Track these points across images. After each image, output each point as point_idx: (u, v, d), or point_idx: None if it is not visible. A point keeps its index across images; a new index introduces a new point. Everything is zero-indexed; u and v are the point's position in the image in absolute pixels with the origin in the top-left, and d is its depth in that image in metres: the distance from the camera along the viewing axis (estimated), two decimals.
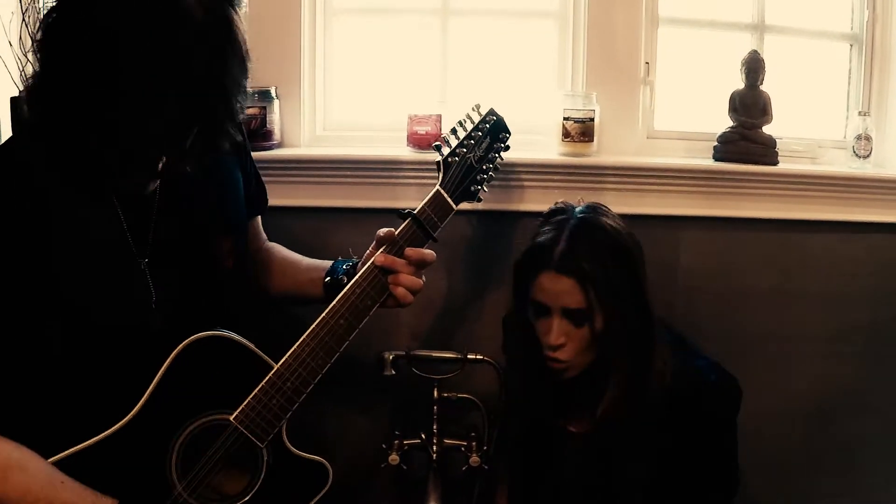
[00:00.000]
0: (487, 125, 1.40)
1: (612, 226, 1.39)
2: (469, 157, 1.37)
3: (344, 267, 1.37)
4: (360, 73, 1.92)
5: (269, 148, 1.77)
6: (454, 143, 1.38)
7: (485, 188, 1.41)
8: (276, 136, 1.79)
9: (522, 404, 1.50)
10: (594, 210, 1.42)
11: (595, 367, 1.41)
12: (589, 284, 1.32)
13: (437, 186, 1.34)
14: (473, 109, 1.41)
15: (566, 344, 1.37)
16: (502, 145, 1.42)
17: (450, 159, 1.36)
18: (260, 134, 1.75)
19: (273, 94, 1.77)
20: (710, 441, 1.40)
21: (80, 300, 1.09)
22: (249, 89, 1.71)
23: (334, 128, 1.90)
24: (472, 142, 1.38)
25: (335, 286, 1.33)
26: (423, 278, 1.30)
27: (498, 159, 1.43)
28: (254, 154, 1.68)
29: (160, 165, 1.09)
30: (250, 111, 1.74)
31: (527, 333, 1.43)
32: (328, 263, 1.40)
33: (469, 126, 1.39)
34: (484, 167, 1.39)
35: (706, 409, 1.39)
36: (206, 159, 1.12)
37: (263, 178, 1.48)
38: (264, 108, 1.75)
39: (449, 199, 1.34)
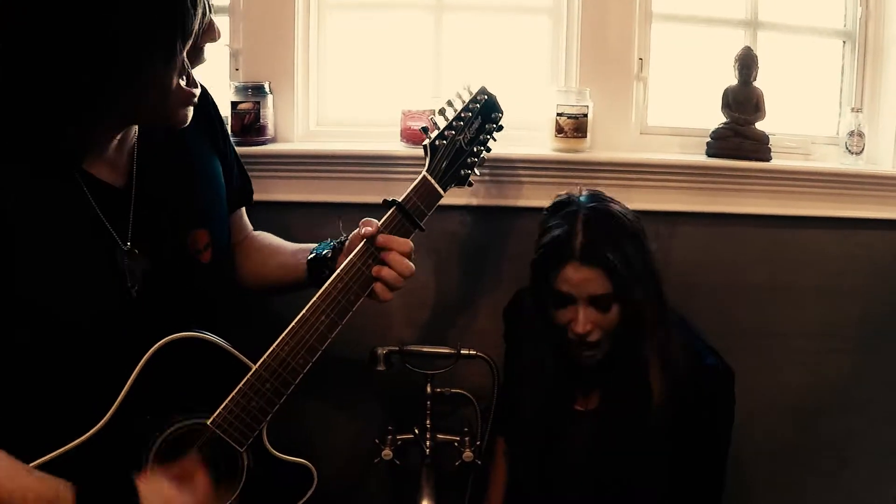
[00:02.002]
0: (478, 105, 1.31)
1: (621, 211, 1.43)
2: (458, 140, 1.28)
3: (331, 244, 1.32)
4: (354, 69, 1.92)
5: (263, 143, 1.77)
6: (442, 124, 1.29)
7: (476, 172, 1.33)
8: (270, 131, 1.79)
9: (535, 389, 1.51)
10: (600, 199, 1.45)
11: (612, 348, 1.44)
12: (614, 271, 1.35)
13: (424, 172, 1.26)
14: (464, 88, 1.32)
15: (593, 330, 1.39)
16: (495, 126, 1.33)
17: (437, 142, 1.27)
18: (254, 129, 1.75)
19: (267, 90, 1.77)
20: (702, 427, 1.42)
21: (53, 294, 1.05)
22: (242, 83, 1.75)
23: (328, 123, 1.90)
24: (462, 123, 1.29)
25: (317, 262, 1.30)
26: (403, 282, 1.23)
27: (490, 141, 1.34)
28: (247, 149, 1.70)
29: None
30: (244, 106, 1.74)
31: (548, 324, 1.46)
32: (314, 245, 1.35)
33: (459, 106, 1.30)
34: (475, 150, 1.31)
35: (704, 394, 1.42)
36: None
37: (257, 174, 1.47)
38: (258, 103, 1.75)
39: (436, 186, 1.26)
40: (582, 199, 1.44)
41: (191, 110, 1.12)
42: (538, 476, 1.53)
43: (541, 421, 1.50)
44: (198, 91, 1.11)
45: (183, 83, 1.08)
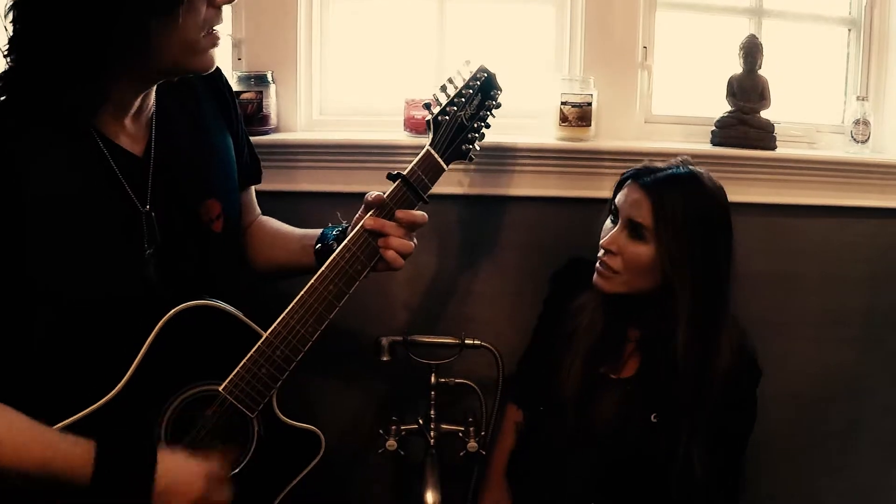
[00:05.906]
0: (478, 82, 1.33)
1: (710, 185, 1.45)
2: (460, 116, 1.31)
3: (334, 233, 1.35)
4: (357, 58, 1.91)
5: (266, 133, 1.76)
6: (444, 100, 1.32)
7: (477, 147, 1.35)
8: (273, 120, 1.78)
9: (582, 351, 1.52)
10: (704, 173, 1.47)
11: (645, 310, 1.47)
12: (658, 208, 1.40)
13: (427, 146, 1.29)
14: (464, 65, 1.34)
15: (616, 255, 1.44)
16: (494, 103, 1.35)
17: (440, 118, 1.30)
18: (256, 119, 1.74)
19: (269, 79, 1.76)
20: (736, 416, 1.47)
21: (74, 252, 1.09)
22: (244, 72, 1.74)
23: (331, 112, 1.89)
24: (463, 99, 1.32)
25: (325, 252, 1.31)
26: (415, 241, 1.27)
27: (490, 117, 1.36)
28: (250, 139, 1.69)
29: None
30: (246, 96, 1.73)
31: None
32: (319, 231, 1.38)
33: (459, 83, 1.33)
34: (476, 125, 1.33)
35: (745, 385, 1.48)
36: None
37: (260, 163, 1.48)
38: (261, 92, 1.74)
39: (439, 159, 1.29)
40: (694, 164, 1.49)
41: (211, 57, 1.15)
42: (560, 439, 1.53)
43: (579, 384, 1.50)
44: (218, 40, 1.15)
45: (202, 35, 1.11)
